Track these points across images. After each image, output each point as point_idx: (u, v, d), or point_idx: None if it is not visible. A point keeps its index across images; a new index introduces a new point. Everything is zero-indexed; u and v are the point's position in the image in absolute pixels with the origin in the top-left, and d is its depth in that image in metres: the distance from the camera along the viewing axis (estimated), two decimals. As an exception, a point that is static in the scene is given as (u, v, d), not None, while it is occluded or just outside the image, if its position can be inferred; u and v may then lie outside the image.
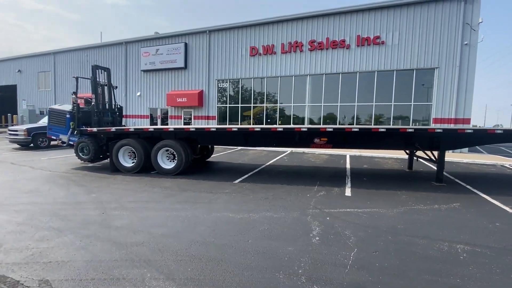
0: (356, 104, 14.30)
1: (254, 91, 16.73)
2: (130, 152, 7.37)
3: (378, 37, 13.54)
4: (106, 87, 8.82)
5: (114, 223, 3.78)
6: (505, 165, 9.31)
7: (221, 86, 17.54)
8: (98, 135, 7.57)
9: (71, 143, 7.95)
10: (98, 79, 8.39)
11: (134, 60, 20.00)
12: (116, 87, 9.63)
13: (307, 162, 9.57)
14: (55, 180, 6.34)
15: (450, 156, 10.70)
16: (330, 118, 15.09)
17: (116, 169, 7.33)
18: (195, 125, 17.99)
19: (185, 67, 18.10)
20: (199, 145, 8.08)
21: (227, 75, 17.12)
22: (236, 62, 16.74)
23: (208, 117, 17.81)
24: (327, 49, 14.54)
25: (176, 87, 18.69)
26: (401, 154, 10.79)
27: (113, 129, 7.40)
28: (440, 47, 12.61)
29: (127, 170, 7.21)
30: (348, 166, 8.73)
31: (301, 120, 15.69)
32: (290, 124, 15.64)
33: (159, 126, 7.69)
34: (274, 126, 7.30)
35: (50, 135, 8.23)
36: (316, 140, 6.87)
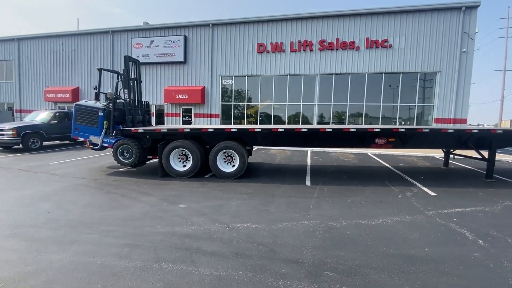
0: (364, 104, 14.89)
1: (261, 89, 16.40)
2: (180, 155, 6.65)
3: (386, 41, 14.22)
4: (136, 82, 7.85)
5: (258, 239, 3.35)
6: (509, 161, 10.48)
7: (225, 82, 16.85)
8: (143, 136, 6.69)
9: (105, 145, 6.90)
10: (130, 73, 7.41)
11: (122, 51, 18.16)
12: (141, 81, 8.63)
13: (342, 161, 9.66)
14: (107, 190, 5.45)
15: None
16: (337, 117, 15.48)
17: (165, 173, 6.57)
18: (196, 123, 17.09)
19: (185, 61, 17.00)
20: (252, 147, 7.63)
21: (231, 71, 16.50)
22: (242, 59, 16.21)
23: (211, 115, 17.01)
24: (337, 49, 14.84)
25: (174, 82, 17.48)
26: (420, 152, 11.51)
27: (163, 129, 6.59)
28: (442, 52, 13.72)
29: (179, 174, 6.50)
30: (386, 164, 9.01)
31: (309, 119, 15.83)
32: (299, 123, 15.70)
33: (220, 126, 7.11)
34: (346, 126, 7.21)
35: (77, 136, 7.01)
36: (378, 141, 6.94)
